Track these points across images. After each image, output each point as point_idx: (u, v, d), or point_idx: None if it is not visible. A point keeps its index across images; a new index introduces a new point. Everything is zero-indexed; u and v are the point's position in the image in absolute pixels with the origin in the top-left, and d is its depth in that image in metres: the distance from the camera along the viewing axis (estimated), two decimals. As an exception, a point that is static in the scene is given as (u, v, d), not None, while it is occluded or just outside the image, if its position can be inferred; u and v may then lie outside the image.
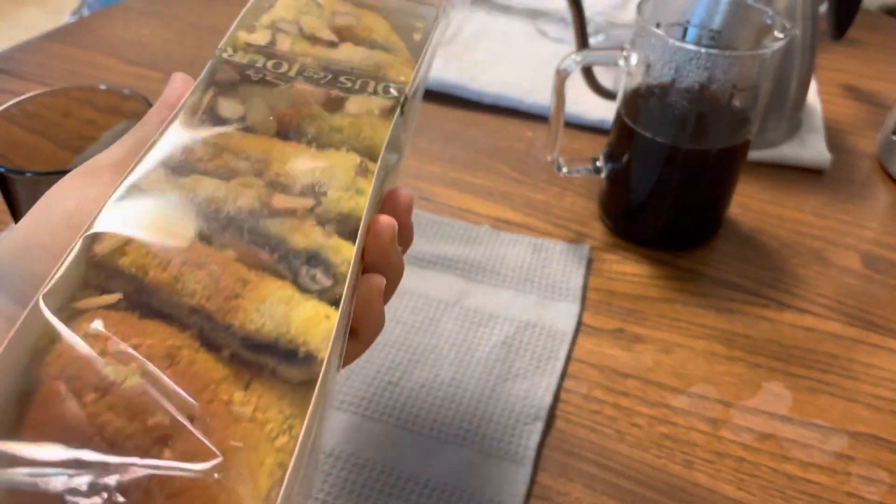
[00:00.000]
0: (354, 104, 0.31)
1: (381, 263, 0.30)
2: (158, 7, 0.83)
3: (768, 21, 0.47)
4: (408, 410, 0.40)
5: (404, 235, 0.34)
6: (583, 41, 0.59)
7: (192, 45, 0.75)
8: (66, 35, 0.76)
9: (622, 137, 0.50)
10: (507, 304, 0.47)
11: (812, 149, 0.62)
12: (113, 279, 0.24)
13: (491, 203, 0.56)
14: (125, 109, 0.45)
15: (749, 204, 0.57)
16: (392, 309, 0.46)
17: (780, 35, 0.45)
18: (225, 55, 0.33)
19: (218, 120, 0.30)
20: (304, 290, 0.24)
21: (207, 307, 0.23)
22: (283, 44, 0.34)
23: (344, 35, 0.35)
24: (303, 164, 0.29)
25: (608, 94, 0.64)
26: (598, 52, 0.54)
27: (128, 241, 0.24)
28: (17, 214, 0.42)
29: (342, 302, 0.25)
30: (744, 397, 0.42)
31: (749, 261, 0.52)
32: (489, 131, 0.65)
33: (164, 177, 0.27)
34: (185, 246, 0.24)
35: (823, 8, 0.69)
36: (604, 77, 0.64)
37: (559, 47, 0.76)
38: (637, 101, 0.49)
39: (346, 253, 0.26)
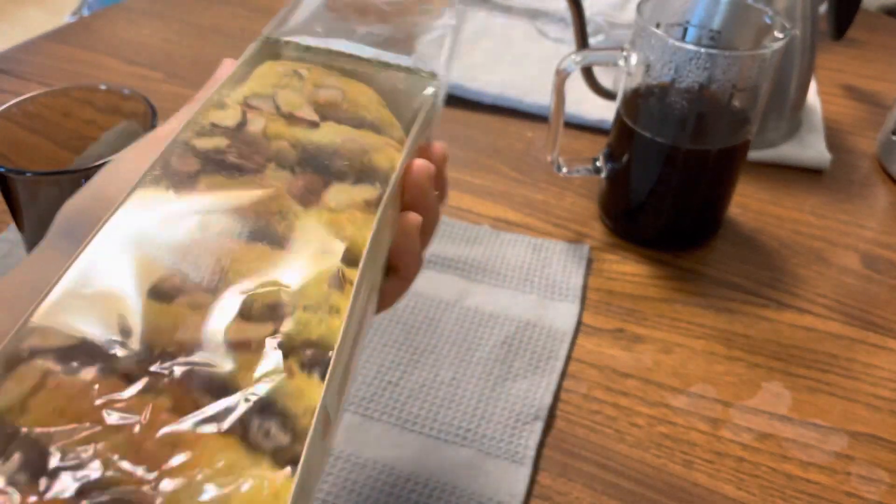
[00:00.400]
0: (334, 196, 0.27)
1: (419, 205, 0.29)
2: (159, 7, 0.83)
3: (768, 21, 0.47)
4: (408, 410, 0.40)
5: (439, 181, 0.32)
6: (583, 41, 0.59)
7: (192, 45, 0.75)
8: (66, 35, 0.76)
9: (622, 137, 0.50)
10: (507, 304, 0.47)
11: (812, 149, 0.62)
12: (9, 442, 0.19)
13: (491, 203, 0.56)
14: (125, 109, 0.45)
15: (749, 204, 0.57)
16: (392, 309, 0.46)
17: (780, 35, 0.45)
18: (185, 137, 0.28)
19: None
20: (254, 448, 0.19)
21: (122, 483, 0.18)
22: (255, 124, 0.29)
23: (327, 112, 0.30)
24: (265, 273, 0.24)
25: (608, 95, 0.64)
26: (598, 53, 0.54)
27: (37, 387, 0.19)
28: (17, 214, 0.42)
29: (315, 415, 0.20)
30: (743, 397, 0.42)
31: (749, 261, 0.52)
32: (489, 131, 0.65)
33: (79, 301, 0.22)
34: (103, 396, 0.19)
35: (823, 8, 0.69)
36: (604, 77, 0.64)
37: (559, 47, 0.76)
38: (637, 102, 0.49)
39: (310, 397, 0.21)
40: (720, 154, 0.49)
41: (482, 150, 0.62)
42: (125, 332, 0.21)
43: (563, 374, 0.43)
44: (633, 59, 0.47)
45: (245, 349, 0.21)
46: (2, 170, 0.39)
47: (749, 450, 0.40)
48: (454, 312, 0.46)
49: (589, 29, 0.69)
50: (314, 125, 0.29)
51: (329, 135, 0.29)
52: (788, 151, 0.62)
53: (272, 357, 0.21)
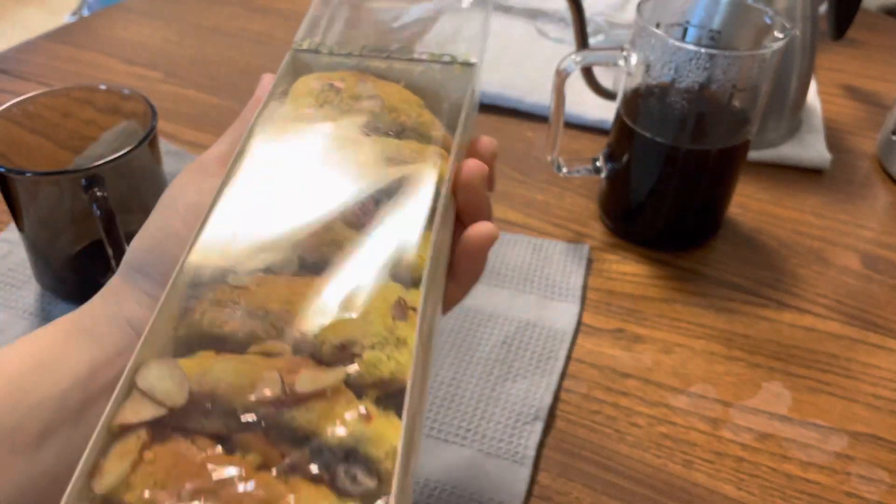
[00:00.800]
0: (385, 216, 0.27)
1: (473, 207, 0.29)
2: (158, 7, 0.83)
3: (768, 21, 0.47)
4: (408, 410, 0.40)
5: (490, 179, 0.32)
6: (583, 41, 0.59)
7: (192, 45, 0.75)
8: (66, 35, 0.76)
9: (622, 138, 0.50)
10: (507, 304, 0.47)
11: (812, 149, 0.62)
12: None
13: (491, 203, 0.56)
14: (125, 109, 0.45)
15: (749, 204, 0.57)
16: (392, 309, 0.46)
17: (780, 35, 0.45)
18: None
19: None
20: (343, 494, 0.20)
21: None
22: None
23: (369, 126, 0.30)
24: (329, 310, 0.24)
25: (608, 95, 0.64)
26: (598, 53, 0.54)
27: (135, 462, 0.21)
28: (17, 214, 0.42)
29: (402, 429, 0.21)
30: (743, 397, 0.42)
31: (749, 261, 0.52)
32: (489, 131, 0.64)
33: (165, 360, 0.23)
34: (200, 456, 0.21)
35: (823, 8, 0.69)
36: (604, 77, 0.64)
37: (559, 47, 0.76)
38: (637, 102, 0.49)
39: (390, 438, 0.21)
40: (720, 154, 0.49)
41: (482, 150, 0.62)
42: (204, 393, 0.22)
43: (563, 375, 0.43)
44: (633, 59, 0.47)
45: (321, 397, 0.22)
46: (2, 170, 0.39)
47: (749, 450, 0.40)
48: (454, 312, 0.46)
49: (589, 29, 0.69)
50: (356, 143, 0.29)
51: (372, 146, 0.29)
52: (788, 151, 0.62)
53: (349, 402, 0.22)
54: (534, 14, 0.82)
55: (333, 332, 0.23)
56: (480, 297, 0.47)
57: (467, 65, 0.33)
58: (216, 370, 0.23)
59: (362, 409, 0.22)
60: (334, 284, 0.25)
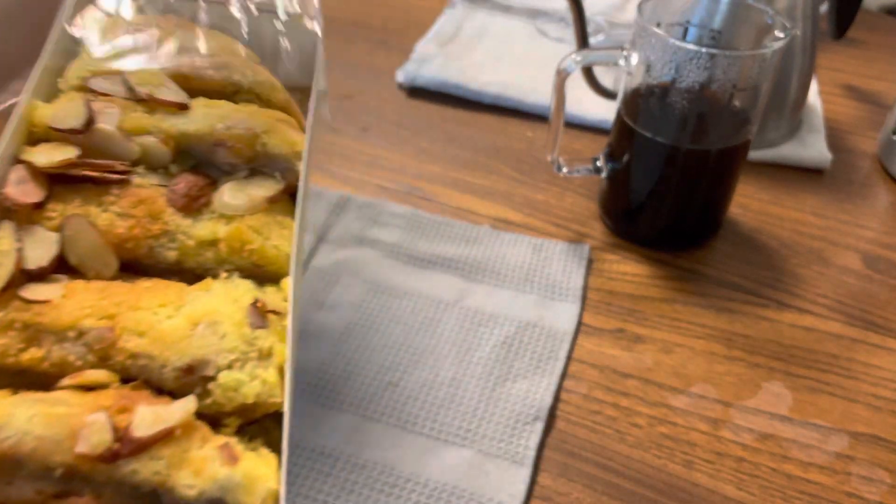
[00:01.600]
0: (228, 199, 0.22)
1: None
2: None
3: (769, 21, 0.47)
4: (408, 410, 0.40)
5: None
6: (583, 41, 0.59)
7: (192, 44, 0.75)
8: (66, 35, 0.76)
9: (622, 137, 0.50)
10: (507, 304, 0.47)
11: (812, 149, 0.62)
12: None
13: (491, 203, 0.56)
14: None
15: (749, 204, 0.57)
16: (392, 309, 0.46)
17: (781, 35, 0.45)
18: (14, 152, 0.21)
19: (27, 276, 0.20)
20: None
21: None
22: (108, 119, 0.22)
23: (193, 83, 0.23)
24: (167, 324, 0.19)
25: (608, 94, 0.64)
26: (599, 52, 0.53)
27: None
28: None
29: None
30: (744, 397, 0.42)
31: (749, 261, 0.52)
32: (489, 131, 0.65)
33: None
34: None
35: (824, 8, 0.69)
36: (604, 77, 0.64)
37: (559, 47, 0.76)
38: (637, 101, 0.49)
39: (265, 479, 0.17)
40: (721, 154, 0.48)
41: (482, 150, 0.62)
42: (4, 456, 0.17)
43: (564, 375, 0.43)
44: (634, 58, 0.47)
45: (168, 440, 0.17)
46: (1, 170, 0.39)
47: (749, 450, 0.40)
48: (454, 312, 0.46)
49: (589, 28, 0.69)
50: (183, 107, 0.23)
51: (204, 118, 0.23)
52: (789, 151, 0.62)
53: (205, 441, 0.17)
54: (534, 14, 0.82)
55: (176, 350, 0.18)
56: (480, 297, 0.47)
57: (304, 16, 0.26)
58: (18, 421, 0.17)
59: (224, 452, 0.17)
60: (167, 288, 0.20)
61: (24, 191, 0.21)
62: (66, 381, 0.18)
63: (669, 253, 0.52)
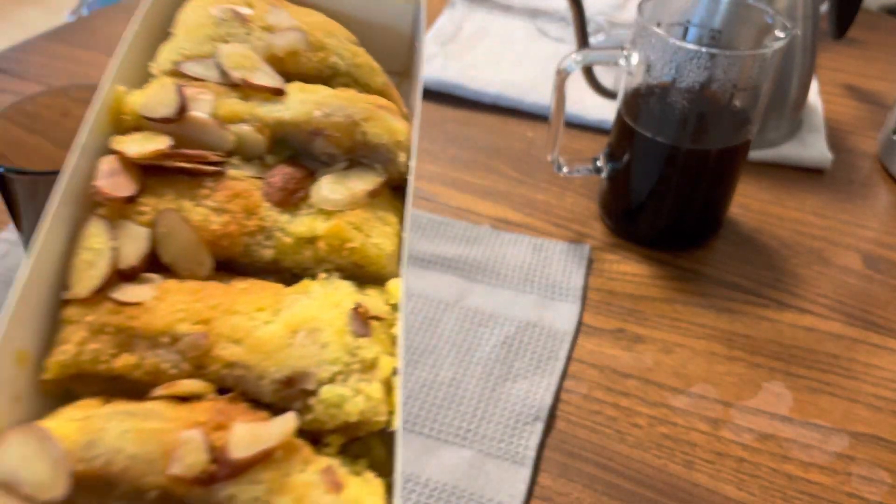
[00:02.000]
0: (326, 192, 0.20)
1: None
2: (158, 6, 0.83)
3: (769, 21, 0.47)
4: (408, 411, 0.40)
5: None
6: (583, 41, 0.59)
7: (191, 44, 0.75)
8: (65, 35, 0.76)
9: (623, 137, 0.50)
10: (507, 304, 0.47)
11: (813, 148, 0.62)
12: None
13: (491, 203, 0.56)
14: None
15: (749, 204, 0.57)
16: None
17: (781, 35, 0.45)
18: (102, 142, 0.21)
19: (119, 276, 0.19)
20: None
21: None
22: (201, 106, 0.20)
23: (289, 66, 0.22)
24: (265, 331, 0.17)
25: (609, 94, 0.64)
26: (599, 52, 0.53)
27: None
28: (16, 214, 0.42)
29: None
30: (744, 397, 0.42)
31: (749, 261, 0.52)
32: (489, 131, 0.65)
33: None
34: None
35: (824, 7, 0.69)
36: (604, 77, 0.64)
37: (559, 47, 0.76)
38: (637, 101, 0.49)
39: None
40: (721, 154, 0.48)
41: (482, 150, 0.62)
42: (94, 474, 0.16)
43: (564, 375, 0.43)
44: (634, 58, 0.47)
45: (268, 462, 0.16)
46: (1, 170, 0.39)
47: (750, 450, 0.39)
48: (454, 312, 0.46)
49: (589, 28, 0.69)
50: (278, 93, 0.21)
51: (300, 104, 0.21)
52: (789, 151, 0.62)
53: (306, 463, 0.16)
54: (534, 13, 0.82)
55: (274, 361, 0.17)
56: (480, 297, 0.47)
57: None
58: (109, 437, 0.16)
59: (328, 474, 0.16)
60: (263, 290, 0.19)
61: (115, 184, 0.20)
62: (159, 391, 0.17)
63: (670, 253, 0.52)
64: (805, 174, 0.61)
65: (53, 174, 0.40)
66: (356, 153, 0.21)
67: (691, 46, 0.44)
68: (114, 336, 0.18)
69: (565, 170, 0.53)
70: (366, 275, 0.20)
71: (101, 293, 0.19)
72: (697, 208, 0.52)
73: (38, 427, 0.16)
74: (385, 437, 0.18)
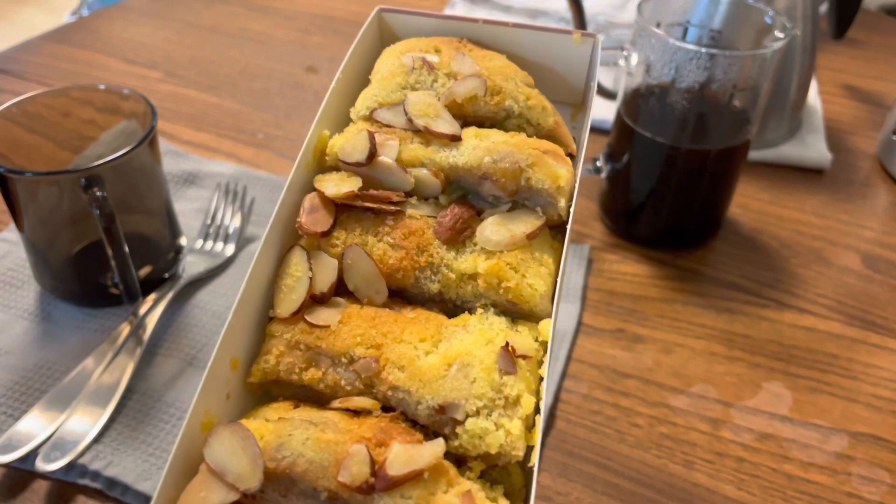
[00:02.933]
0: (490, 233, 0.23)
1: None
2: (158, 7, 0.83)
3: (768, 21, 0.47)
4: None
5: None
6: (583, 41, 0.59)
7: (191, 44, 0.75)
8: (65, 35, 0.76)
9: (622, 137, 0.50)
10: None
11: (812, 149, 0.62)
12: None
13: (491, 203, 0.56)
14: (125, 109, 0.45)
15: (749, 204, 0.57)
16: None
17: (781, 35, 0.45)
18: (306, 178, 0.24)
19: (312, 299, 0.23)
20: None
21: None
22: (388, 151, 0.24)
23: (467, 110, 0.25)
24: (425, 361, 0.20)
25: (608, 95, 0.64)
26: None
27: None
28: (16, 214, 0.42)
29: None
30: (744, 397, 0.42)
31: (749, 261, 0.52)
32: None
33: None
34: None
35: (824, 8, 0.69)
36: (604, 77, 0.64)
37: (559, 47, 0.76)
38: (637, 101, 0.49)
39: None
40: (720, 154, 0.48)
41: (482, 149, 0.62)
42: (281, 472, 0.19)
43: (564, 375, 0.43)
44: (634, 58, 0.47)
45: (417, 480, 0.19)
46: (2, 169, 0.39)
47: (749, 450, 0.39)
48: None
49: (589, 28, 0.69)
50: (455, 139, 0.24)
51: (473, 150, 0.24)
52: (789, 151, 0.62)
53: (449, 484, 0.19)
54: (534, 13, 0.82)
55: (430, 389, 0.20)
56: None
57: (588, 35, 0.26)
58: (294, 442, 0.19)
59: (466, 498, 0.18)
60: (427, 322, 0.22)
61: (315, 220, 0.24)
62: (336, 403, 0.21)
63: (669, 253, 0.52)
64: (805, 174, 0.61)
65: (53, 174, 0.40)
66: (519, 195, 0.24)
67: (691, 46, 0.44)
68: (304, 352, 0.22)
69: (565, 170, 0.53)
70: (520, 311, 0.22)
71: (297, 314, 0.23)
72: (697, 208, 0.52)
73: (242, 427, 0.20)
74: (524, 466, 0.20)
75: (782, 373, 0.44)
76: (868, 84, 0.75)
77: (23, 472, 0.37)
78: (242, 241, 0.50)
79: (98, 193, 0.38)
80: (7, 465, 0.36)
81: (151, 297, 0.44)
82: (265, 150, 0.60)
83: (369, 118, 0.25)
